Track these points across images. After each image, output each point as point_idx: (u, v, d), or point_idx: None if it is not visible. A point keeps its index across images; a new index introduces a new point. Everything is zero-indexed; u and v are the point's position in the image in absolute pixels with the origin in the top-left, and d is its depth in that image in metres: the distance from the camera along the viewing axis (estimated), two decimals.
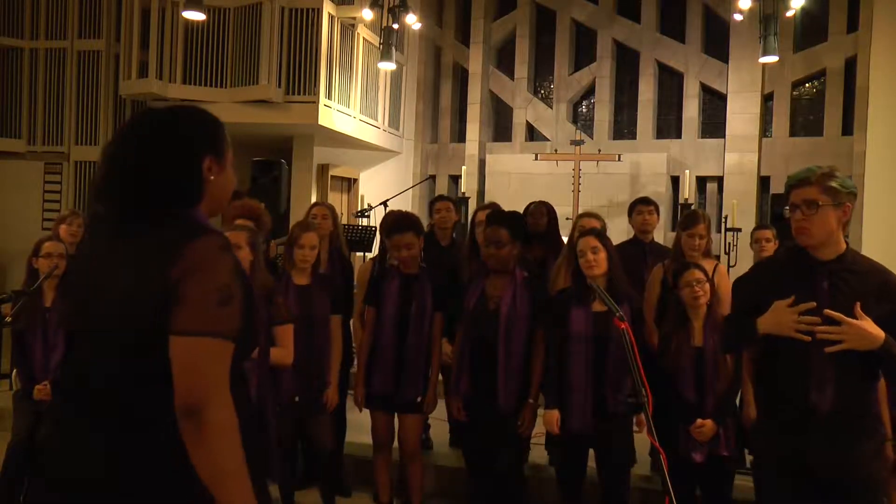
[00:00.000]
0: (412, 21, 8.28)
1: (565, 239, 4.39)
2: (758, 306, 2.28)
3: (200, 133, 1.55)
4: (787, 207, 2.28)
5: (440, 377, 3.64)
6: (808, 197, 2.18)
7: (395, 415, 3.55)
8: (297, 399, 3.37)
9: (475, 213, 4.11)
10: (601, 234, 3.28)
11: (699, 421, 3.03)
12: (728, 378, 3.07)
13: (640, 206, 4.31)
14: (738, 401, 3.27)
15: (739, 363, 3.06)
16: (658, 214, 4.34)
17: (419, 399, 3.45)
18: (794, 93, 9.21)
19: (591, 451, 3.26)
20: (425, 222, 4.05)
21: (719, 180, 9.25)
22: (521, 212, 4.10)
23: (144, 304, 1.38)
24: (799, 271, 2.25)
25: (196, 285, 1.37)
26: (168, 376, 1.37)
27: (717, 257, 3.83)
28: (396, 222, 3.56)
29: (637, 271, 3.86)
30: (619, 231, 7.06)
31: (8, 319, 3.63)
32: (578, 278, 3.21)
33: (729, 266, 7.08)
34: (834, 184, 2.17)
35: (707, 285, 3.16)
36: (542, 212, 4.31)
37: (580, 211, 8.48)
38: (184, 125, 1.54)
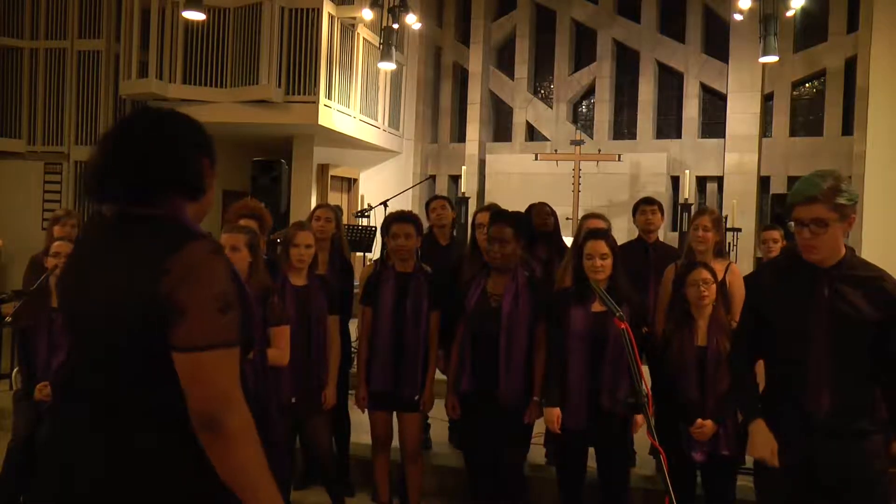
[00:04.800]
0: (412, 21, 8.28)
1: (566, 239, 4.41)
2: (759, 311, 2.31)
3: (200, 133, 1.53)
4: (792, 222, 2.21)
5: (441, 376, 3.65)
6: (817, 216, 2.12)
7: (395, 414, 3.56)
8: (293, 400, 3.38)
9: (475, 214, 4.12)
10: (610, 239, 3.27)
11: (699, 421, 3.04)
12: (730, 378, 3.07)
13: (644, 206, 4.30)
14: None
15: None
16: (662, 214, 4.33)
17: (416, 398, 3.47)
18: (794, 93, 9.22)
19: (592, 452, 3.26)
20: (424, 225, 4.07)
21: (719, 180, 9.25)
22: (523, 212, 4.11)
23: (133, 311, 1.35)
24: (800, 278, 2.24)
25: (193, 296, 1.33)
26: (165, 379, 1.35)
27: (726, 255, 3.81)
28: (398, 214, 3.62)
29: (638, 271, 3.86)
30: (620, 231, 7.04)
31: (8, 319, 3.64)
32: (579, 278, 3.22)
33: None
34: (841, 200, 2.12)
35: (713, 286, 3.14)
36: (548, 212, 4.31)
37: (580, 211, 8.50)
38: (184, 122, 1.52)
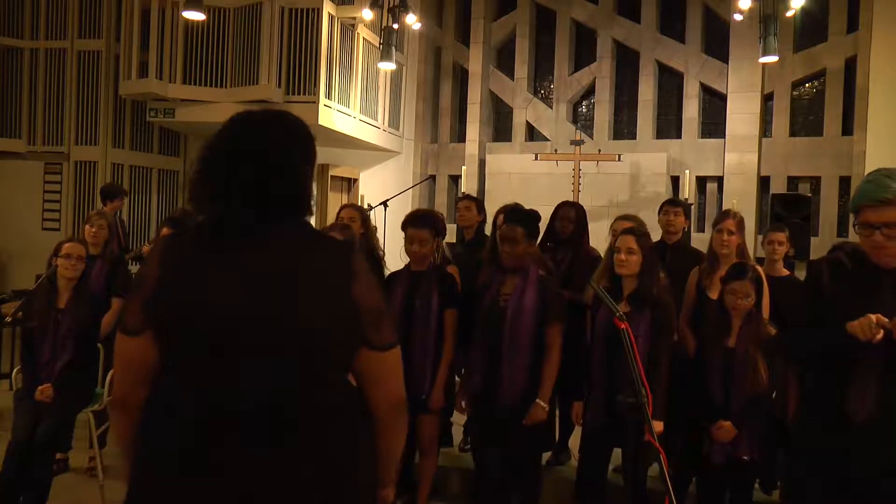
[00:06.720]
0: (412, 21, 8.28)
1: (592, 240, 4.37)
2: (820, 313, 2.26)
3: None
4: (859, 224, 2.18)
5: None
6: (890, 219, 2.10)
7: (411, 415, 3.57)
8: None
9: (496, 215, 4.12)
10: (641, 236, 3.27)
11: (720, 422, 3.05)
12: (758, 383, 3.06)
13: (667, 207, 4.27)
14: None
15: (777, 369, 3.07)
16: (685, 216, 4.27)
17: (423, 397, 3.45)
18: (794, 93, 9.21)
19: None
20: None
21: (719, 180, 9.25)
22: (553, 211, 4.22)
23: (338, 321, 1.42)
24: (861, 278, 2.22)
25: (381, 299, 1.51)
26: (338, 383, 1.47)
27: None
28: (415, 216, 3.59)
29: None
30: None
31: (8, 319, 3.64)
32: (611, 278, 3.23)
33: None
34: None
35: (752, 301, 3.14)
36: (570, 217, 4.25)
37: None
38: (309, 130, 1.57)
